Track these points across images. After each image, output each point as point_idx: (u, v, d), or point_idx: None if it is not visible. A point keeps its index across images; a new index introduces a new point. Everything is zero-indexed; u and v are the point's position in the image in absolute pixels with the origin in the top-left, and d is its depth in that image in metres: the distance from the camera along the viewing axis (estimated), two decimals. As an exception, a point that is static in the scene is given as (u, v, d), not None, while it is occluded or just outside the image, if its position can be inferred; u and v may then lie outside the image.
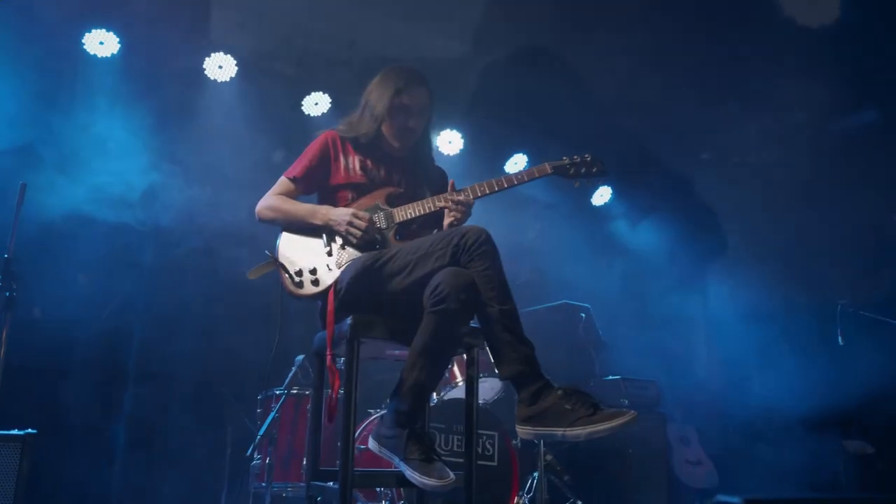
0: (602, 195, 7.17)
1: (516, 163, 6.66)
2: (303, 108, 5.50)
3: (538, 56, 5.91)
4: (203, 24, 4.95)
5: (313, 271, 2.63)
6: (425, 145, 2.98)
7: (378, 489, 3.53)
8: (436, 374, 2.42)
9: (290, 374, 4.07)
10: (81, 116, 4.47)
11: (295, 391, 3.99)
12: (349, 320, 2.40)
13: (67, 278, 4.22)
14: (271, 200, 2.77)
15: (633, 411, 2.17)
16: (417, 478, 2.30)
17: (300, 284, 2.62)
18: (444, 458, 3.51)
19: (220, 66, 5.02)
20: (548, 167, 2.73)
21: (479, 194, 2.68)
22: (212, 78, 5.02)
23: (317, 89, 5.54)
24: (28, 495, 3.04)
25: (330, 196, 2.81)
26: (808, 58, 5.62)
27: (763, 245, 5.88)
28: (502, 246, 5.36)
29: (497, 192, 2.68)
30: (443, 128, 6.24)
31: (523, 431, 2.28)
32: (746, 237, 6.04)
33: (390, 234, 2.67)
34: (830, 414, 5.59)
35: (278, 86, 5.38)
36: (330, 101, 5.56)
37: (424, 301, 2.33)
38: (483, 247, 2.35)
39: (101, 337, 4.26)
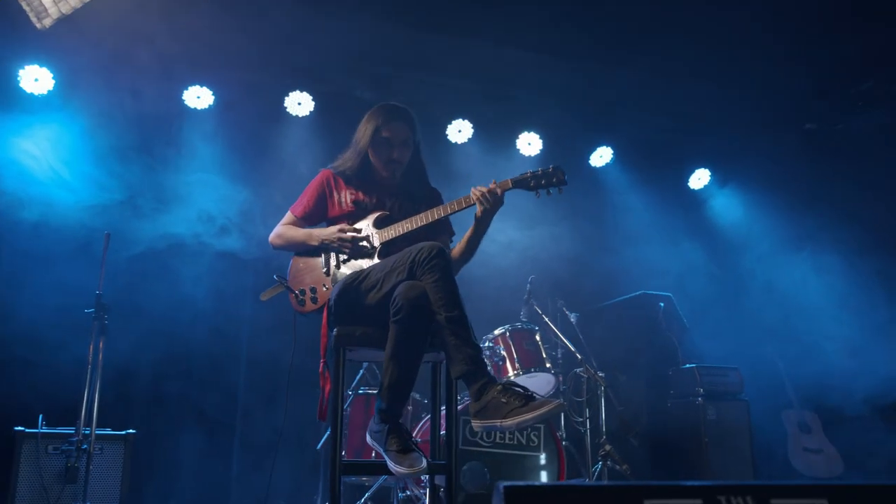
0: (700, 178, 6.98)
1: (601, 156, 6.70)
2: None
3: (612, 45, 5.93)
4: (281, 65, 5.57)
5: (313, 290, 3.05)
6: (416, 170, 3.28)
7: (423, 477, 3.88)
8: (406, 376, 2.71)
9: (358, 376, 4.54)
10: (184, 162, 5.25)
11: (362, 391, 4.45)
12: (334, 332, 2.80)
13: (182, 298, 4.93)
14: (279, 230, 3.25)
15: (558, 401, 2.40)
16: (393, 466, 2.63)
17: (302, 303, 3.06)
18: (485, 448, 3.84)
19: (300, 103, 5.62)
20: (509, 182, 2.94)
21: (449, 211, 2.95)
22: (293, 114, 5.63)
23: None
24: (134, 487, 3.74)
25: (329, 226, 3.22)
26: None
27: (859, 219, 5.51)
28: (576, 238, 5.49)
29: (465, 208, 2.94)
30: (520, 131, 6.45)
31: (475, 424, 2.54)
32: (842, 211, 5.68)
33: (374, 254, 3.02)
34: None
35: (355, 111, 5.86)
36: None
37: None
38: (433, 261, 2.64)
39: (207, 348, 4.97)
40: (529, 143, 6.49)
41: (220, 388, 4.88)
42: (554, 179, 2.92)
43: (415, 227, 2.99)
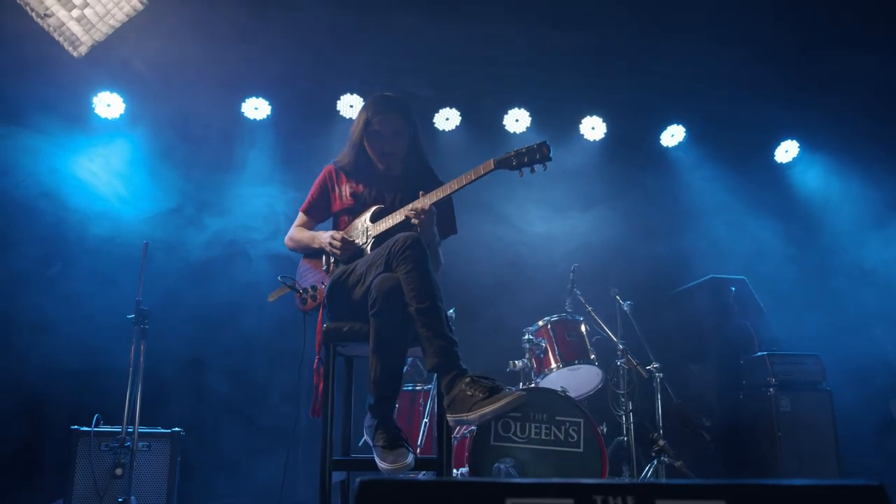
0: (787, 150, 6.44)
1: (672, 135, 6.34)
2: (434, 124, 5.96)
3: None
4: (334, 70, 5.69)
5: (314, 288, 3.09)
6: (417, 160, 3.23)
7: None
8: (390, 370, 2.67)
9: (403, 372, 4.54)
10: (242, 170, 5.47)
11: (408, 388, 4.46)
12: (323, 328, 2.81)
13: (237, 300, 5.11)
14: (291, 232, 3.31)
15: (519, 392, 2.31)
16: (378, 461, 2.61)
17: (304, 301, 3.10)
18: (519, 444, 3.76)
19: (352, 106, 5.71)
20: (492, 163, 2.83)
21: (434, 199, 2.88)
22: (347, 117, 5.73)
23: (447, 105, 5.95)
24: (181, 483, 3.92)
25: (334, 221, 3.25)
26: None
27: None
28: (637, 224, 5.27)
29: (450, 193, 2.87)
30: (583, 115, 6.22)
31: (448, 418, 2.48)
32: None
33: (367, 248, 3.01)
34: None
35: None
36: (459, 115, 5.95)
37: (370, 307, 2.65)
38: (406, 252, 2.59)
39: (262, 348, 5.12)
40: (593, 128, 6.25)
41: (270, 388, 5.02)
42: (538, 156, 2.79)
43: (403, 218, 2.95)
